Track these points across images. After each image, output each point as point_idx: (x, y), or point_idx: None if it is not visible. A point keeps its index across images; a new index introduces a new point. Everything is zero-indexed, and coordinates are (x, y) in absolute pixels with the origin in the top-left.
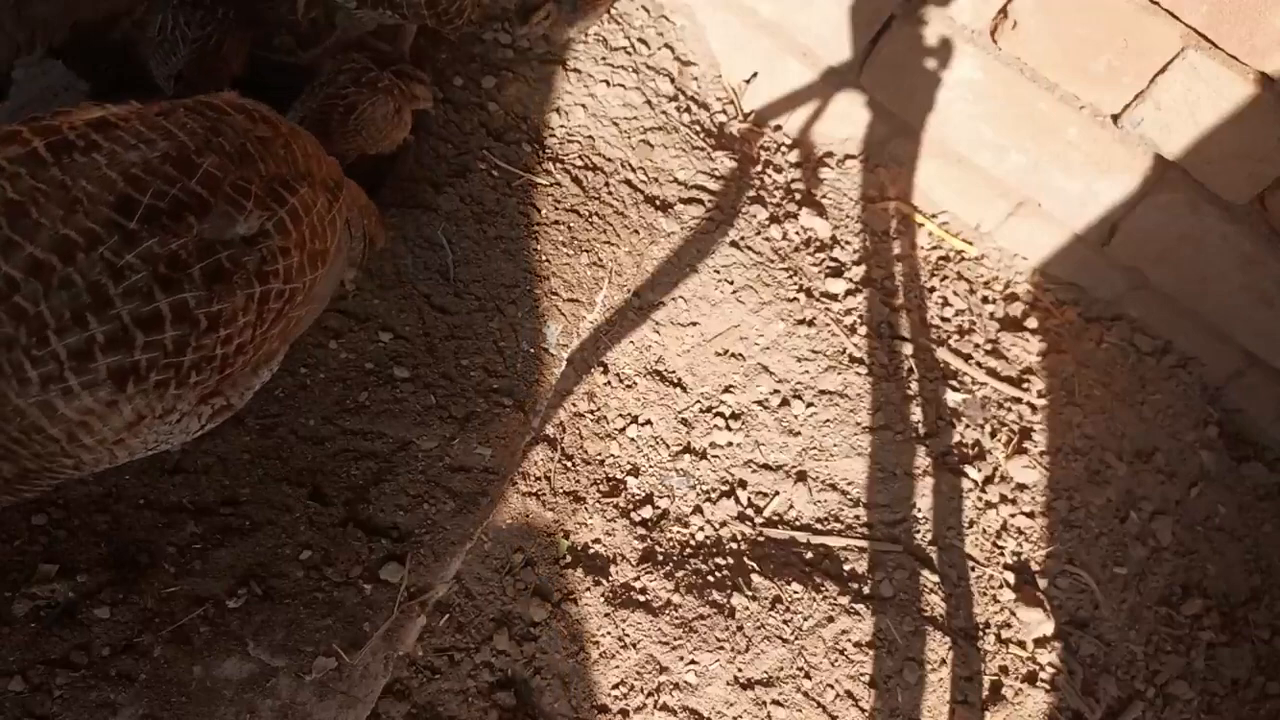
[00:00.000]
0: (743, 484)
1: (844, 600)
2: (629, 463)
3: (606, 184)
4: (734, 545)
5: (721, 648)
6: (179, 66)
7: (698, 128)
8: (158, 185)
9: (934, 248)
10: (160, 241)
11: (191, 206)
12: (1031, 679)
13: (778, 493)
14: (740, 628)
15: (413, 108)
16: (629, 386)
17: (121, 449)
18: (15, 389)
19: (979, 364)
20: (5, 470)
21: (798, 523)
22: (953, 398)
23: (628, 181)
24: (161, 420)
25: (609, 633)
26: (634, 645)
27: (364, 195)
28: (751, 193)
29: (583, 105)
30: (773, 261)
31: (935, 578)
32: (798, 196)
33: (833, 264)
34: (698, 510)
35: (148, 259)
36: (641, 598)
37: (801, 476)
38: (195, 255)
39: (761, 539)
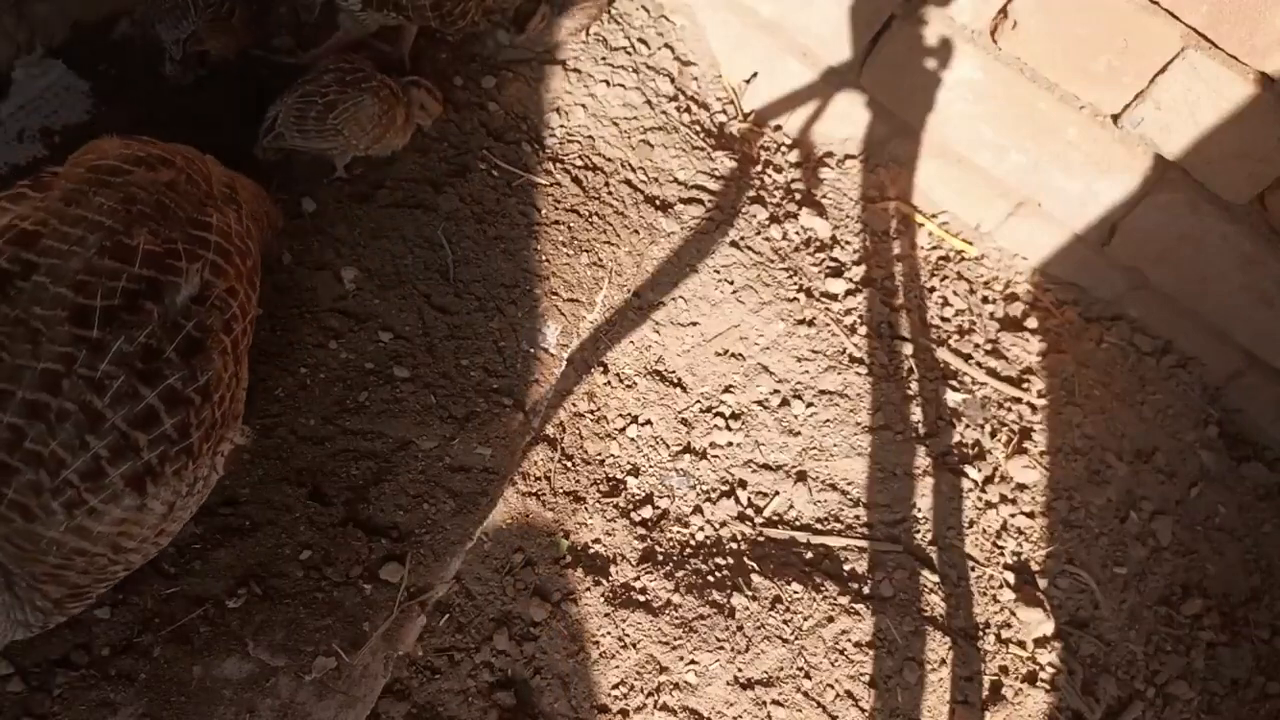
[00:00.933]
0: (743, 484)
1: (844, 600)
2: (629, 463)
3: (606, 184)
4: (734, 545)
5: (721, 648)
6: (190, 29)
7: (698, 128)
8: (105, 284)
9: (934, 248)
10: (127, 340)
11: (143, 292)
12: (1031, 679)
13: (778, 493)
14: (740, 628)
15: (417, 120)
16: (629, 386)
17: (164, 537)
18: (44, 523)
19: (979, 364)
20: (52, 593)
21: (798, 523)
22: (953, 398)
23: (628, 181)
24: (189, 494)
25: (609, 633)
26: (634, 645)
27: (251, 182)
28: (751, 193)
29: (583, 105)
30: (773, 261)
31: (935, 578)
32: (798, 196)
33: (833, 264)
34: (698, 510)
35: (121, 362)
36: (641, 598)
37: (801, 476)
38: (165, 339)
39: (761, 539)
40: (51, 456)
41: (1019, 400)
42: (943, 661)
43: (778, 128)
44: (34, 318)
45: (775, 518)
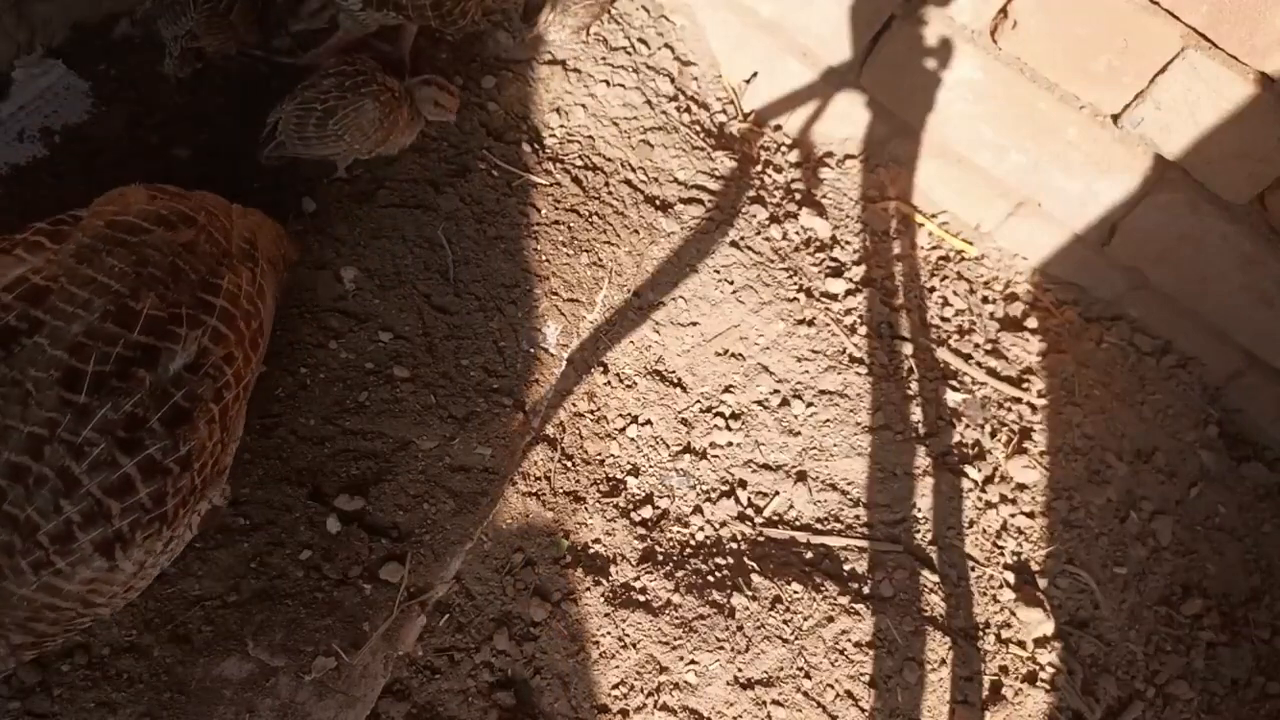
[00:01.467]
0: (743, 484)
1: (844, 600)
2: (629, 463)
3: (606, 184)
4: (734, 545)
5: (721, 648)
6: (188, 27)
7: (698, 128)
8: (100, 349)
9: (934, 248)
10: (114, 407)
11: (138, 360)
12: (1031, 679)
13: (778, 493)
14: (740, 628)
15: (433, 117)
16: (629, 386)
17: (133, 592)
18: (15, 581)
19: (979, 364)
20: (15, 639)
21: (798, 523)
22: (953, 398)
23: (628, 181)
24: (163, 553)
25: (609, 633)
26: (634, 645)
27: (269, 221)
28: (751, 193)
29: (583, 105)
30: (773, 261)
31: (935, 578)
32: (798, 196)
33: (833, 264)
34: (698, 510)
35: (104, 429)
36: (641, 598)
37: (801, 476)
38: (152, 407)
39: (761, 539)
40: (27, 521)
41: (1019, 400)
42: (943, 661)
43: (778, 128)
44: (28, 379)
45: (775, 518)
